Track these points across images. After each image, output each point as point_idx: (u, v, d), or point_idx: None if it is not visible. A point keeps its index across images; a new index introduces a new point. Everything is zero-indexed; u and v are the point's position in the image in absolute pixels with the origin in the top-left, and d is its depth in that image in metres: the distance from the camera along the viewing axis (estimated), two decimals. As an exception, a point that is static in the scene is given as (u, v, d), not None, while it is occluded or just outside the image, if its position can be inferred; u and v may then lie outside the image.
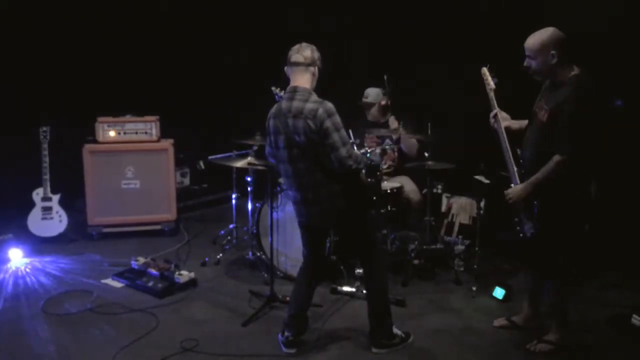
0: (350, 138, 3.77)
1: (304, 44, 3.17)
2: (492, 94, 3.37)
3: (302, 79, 3.13)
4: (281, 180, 4.36)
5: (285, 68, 3.19)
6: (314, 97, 3.08)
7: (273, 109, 3.21)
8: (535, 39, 3.04)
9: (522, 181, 3.15)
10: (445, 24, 5.30)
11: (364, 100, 4.82)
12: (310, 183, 3.11)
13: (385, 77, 4.49)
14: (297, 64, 3.12)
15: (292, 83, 3.15)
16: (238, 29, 6.42)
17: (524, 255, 3.36)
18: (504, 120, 3.33)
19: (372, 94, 4.81)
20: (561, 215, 3.06)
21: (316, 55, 3.16)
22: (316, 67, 3.16)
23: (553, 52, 2.98)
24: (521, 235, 3.19)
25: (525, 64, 3.10)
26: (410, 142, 4.73)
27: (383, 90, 4.71)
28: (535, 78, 3.15)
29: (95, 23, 5.71)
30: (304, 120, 2.99)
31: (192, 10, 6.29)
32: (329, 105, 3.03)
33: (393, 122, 4.78)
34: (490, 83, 3.37)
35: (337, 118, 3.02)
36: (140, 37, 5.88)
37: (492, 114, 3.37)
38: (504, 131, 3.27)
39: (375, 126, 4.78)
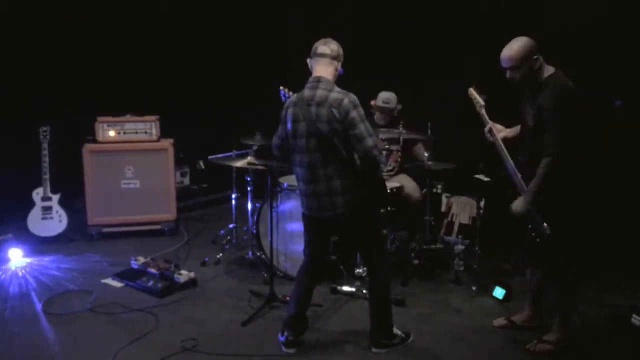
0: None
1: (330, 39, 3.21)
2: (483, 111, 3.40)
3: (326, 71, 3.15)
4: (281, 180, 4.37)
5: (309, 60, 3.21)
6: (338, 88, 3.11)
7: (293, 98, 3.22)
8: (517, 49, 3.04)
9: (526, 186, 3.16)
10: (445, 24, 5.30)
11: (385, 105, 4.68)
12: (325, 175, 3.09)
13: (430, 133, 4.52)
14: (323, 55, 3.15)
15: (315, 74, 3.16)
16: (238, 29, 6.42)
17: (536, 256, 3.34)
18: (499, 132, 3.35)
19: (393, 99, 4.69)
20: (561, 216, 3.06)
21: (341, 51, 3.20)
22: (340, 63, 3.19)
23: (536, 57, 3.02)
24: (538, 240, 3.18)
25: (508, 76, 3.11)
26: (421, 153, 4.73)
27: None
28: (520, 88, 3.16)
29: (95, 23, 5.71)
30: (329, 108, 3.01)
31: (192, 10, 6.29)
32: (354, 96, 3.05)
33: (420, 149, 4.75)
34: (480, 101, 3.40)
35: (362, 110, 3.05)
36: (140, 37, 5.88)
37: (486, 129, 3.39)
38: (501, 143, 3.29)
39: (380, 128, 4.75)
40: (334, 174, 3.08)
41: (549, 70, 3.07)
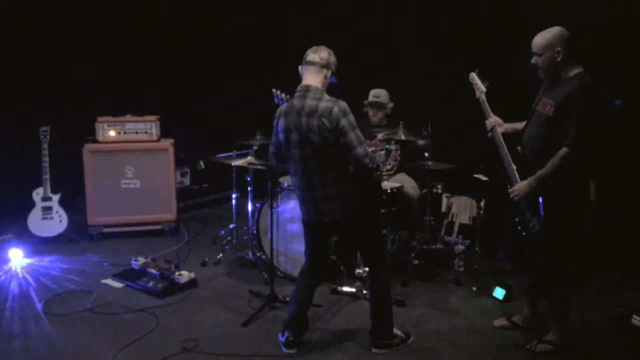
0: None
1: (322, 46, 3.18)
2: (483, 98, 3.38)
3: (315, 79, 3.12)
4: (281, 180, 4.37)
5: (300, 67, 3.18)
6: (327, 96, 3.09)
7: (282, 107, 3.20)
8: (542, 37, 3.10)
9: (524, 179, 3.16)
10: (445, 24, 5.30)
11: (375, 99, 4.67)
12: (321, 182, 3.09)
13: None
14: (312, 63, 3.12)
15: (304, 82, 3.14)
16: (238, 29, 6.42)
17: (523, 256, 3.35)
18: (499, 126, 3.35)
19: (383, 94, 4.70)
20: (561, 215, 3.06)
21: (332, 59, 3.16)
22: (329, 71, 3.15)
23: (558, 48, 3.04)
24: (523, 234, 3.19)
25: (532, 61, 3.14)
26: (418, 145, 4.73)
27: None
28: (540, 75, 3.18)
29: (95, 23, 5.71)
30: (319, 118, 2.99)
31: (192, 10, 6.29)
32: (344, 104, 3.03)
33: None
34: (481, 87, 3.38)
35: (352, 117, 3.03)
36: (140, 37, 5.88)
37: (489, 126, 3.39)
38: (501, 138, 3.30)
39: (376, 127, 4.76)
40: (329, 181, 3.09)
41: (576, 68, 3.07)
